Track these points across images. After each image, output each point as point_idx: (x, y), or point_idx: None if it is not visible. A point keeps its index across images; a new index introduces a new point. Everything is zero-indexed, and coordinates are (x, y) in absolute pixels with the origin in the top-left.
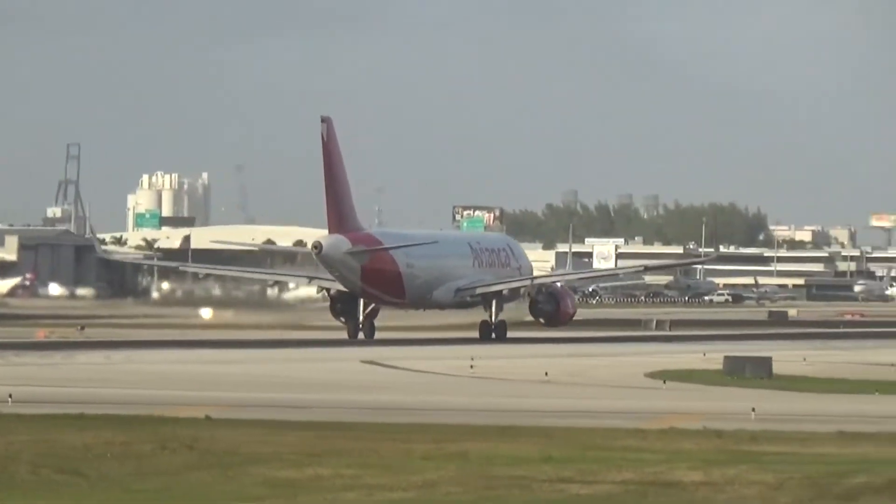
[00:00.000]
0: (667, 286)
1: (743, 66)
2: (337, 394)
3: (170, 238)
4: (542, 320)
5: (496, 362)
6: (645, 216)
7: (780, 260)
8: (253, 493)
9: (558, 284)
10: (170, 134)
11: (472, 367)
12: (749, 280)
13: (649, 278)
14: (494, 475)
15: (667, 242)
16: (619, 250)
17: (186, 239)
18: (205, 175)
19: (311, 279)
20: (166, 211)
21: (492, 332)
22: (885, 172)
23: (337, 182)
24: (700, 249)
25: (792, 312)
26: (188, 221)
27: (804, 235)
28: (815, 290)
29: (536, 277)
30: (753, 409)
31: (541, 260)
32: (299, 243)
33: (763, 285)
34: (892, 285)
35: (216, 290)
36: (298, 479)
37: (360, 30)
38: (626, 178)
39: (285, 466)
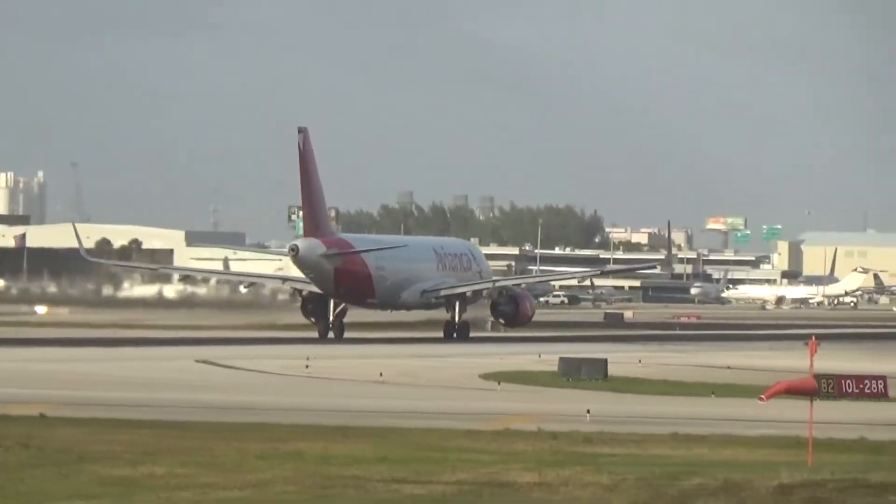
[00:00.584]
0: None
1: (577, 68)
2: (171, 393)
3: (5, 236)
4: (502, 321)
5: (333, 362)
6: (481, 217)
7: (617, 262)
8: (87, 491)
9: (519, 287)
10: (3, 132)
11: (307, 366)
12: (585, 282)
13: None
14: (329, 475)
15: (502, 244)
16: None
17: (21, 237)
18: (40, 173)
19: (284, 280)
20: (1, 209)
21: (454, 332)
22: (721, 175)
23: (312, 190)
24: (536, 251)
25: (628, 314)
26: (23, 219)
27: (640, 238)
28: (652, 292)
29: (498, 280)
30: (588, 411)
31: None
32: (135, 242)
33: (599, 287)
34: (728, 288)
35: (52, 288)
36: (133, 477)
37: (192, 30)
38: (462, 179)
39: (120, 465)
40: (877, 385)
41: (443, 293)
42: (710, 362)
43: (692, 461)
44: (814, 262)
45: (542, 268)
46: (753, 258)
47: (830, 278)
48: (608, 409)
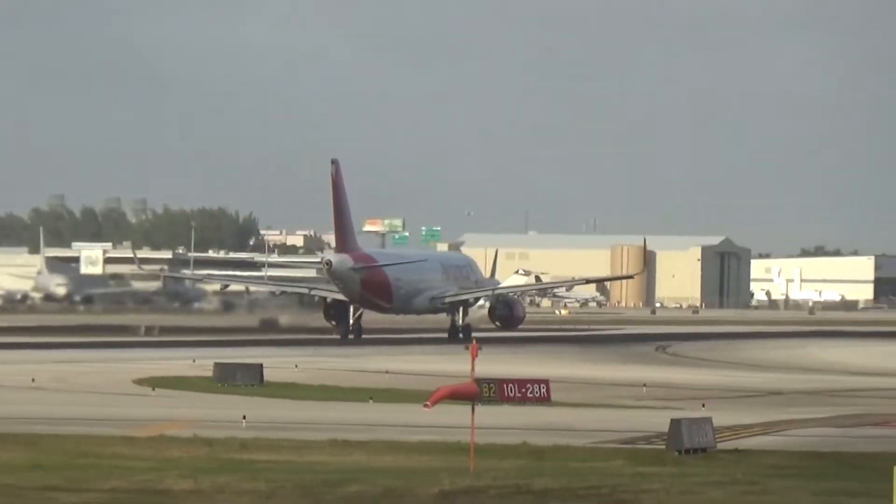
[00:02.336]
0: (154, 292)
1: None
2: None
3: None
4: (497, 323)
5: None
6: (133, 220)
7: (272, 265)
8: None
9: (513, 294)
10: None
11: None
12: (241, 287)
13: (138, 284)
14: None
15: (156, 247)
16: (108, 255)
17: None
18: None
19: (311, 289)
20: None
21: (459, 333)
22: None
23: (342, 212)
24: (190, 254)
25: (284, 319)
26: None
27: (296, 240)
28: (308, 296)
29: (497, 288)
30: (244, 417)
31: (28, 265)
32: None
33: (254, 292)
34: None
35: None
36: None
37: None
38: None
39: None
40: (539, 389)
41: (447, 300)
42: (368, 367)
43: (351, 468)
44: None
45: (210, 272)
46: None
47: (492, 281)
48: (265, 414)
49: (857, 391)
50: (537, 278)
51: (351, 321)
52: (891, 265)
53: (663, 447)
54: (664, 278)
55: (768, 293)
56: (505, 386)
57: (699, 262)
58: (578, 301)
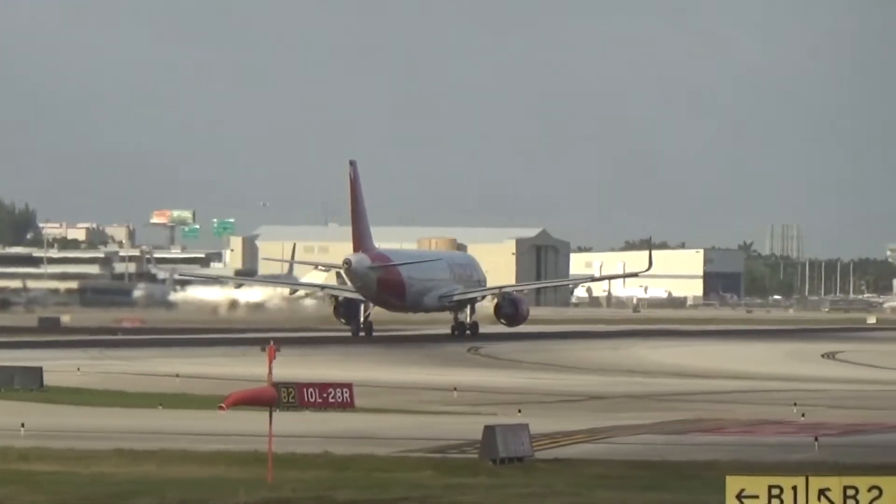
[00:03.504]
0: None
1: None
2: None
3: None
4: (503, 321)
5: None
6: None
7: (52, 261)
8: None
9: (519, 292)
10: None
11: None
12: (17, 283)
13: None
14: None
15: None
16: None
17: None
18: None
19: (322, 287)
20: None
21: (466, 330)
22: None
23: (360, 213)
24: None
25: (65, 318)
26: None
27: (78, 234)
28: (91, 294)
29: (504, 287)
30: (23, 425)
31: None
32: None
33: (32, 289)
34: (176, 289)
35: None
36: None
37: None
38: None
39: None
40: (342, 394)
41: (456, 298)
42: (156, 370)
43: (140, 479)
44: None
45: None
46: (203, 255)
47: (289, 277)
48: (45, 422)
49: (687, 395)
50: (338, 275)
51: (362, 319)
52: (722, 259)
53: (476, 456)
54: None
55: (589, 289)
56: (305, 390)
57: (514, 256)
58: None
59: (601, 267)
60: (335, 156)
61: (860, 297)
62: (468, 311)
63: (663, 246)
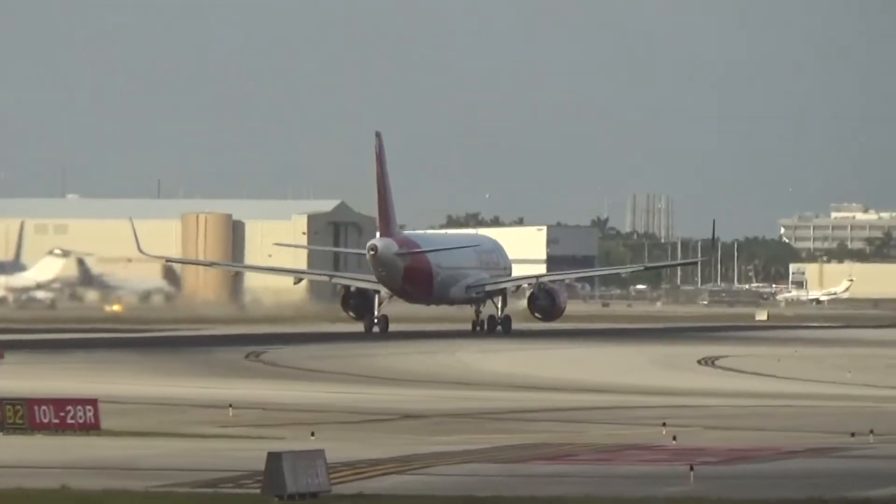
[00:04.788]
0: None
1: None
2: None
3: None
4: (538, 315)
5: None
6: None
7: None
8: None
9: (558, 282)
10: None
11: None
12: None
13: None
14: None
15: None
16: None
17: None
18: None
19: (331, 277)
20: None
21: (498, 325)
22: None
23: (386, 192)
24: None
25: None
26: None
27: None
28: None
29: (541, 276)
30: None
31: None
32: None
33: None
34: None
35: None
36: None
37: None
38: None
39: None
40: (84, 413)
41: (487, 289)
42: None
43: None
44: None
45: None
46: None
47: (16, 264)
48: None
49: (527, 412)
50: (80, 262)
51: (376, 312)
52: (571, 238)
53: (258, 492)
54: (259, 258)
55: None
56: (37, 408)
57: (305, 236)
58: (137, 293)
59: None
60: (76, 113)
61: (747, 286)
62: (499, 303)
63: (496, 223)
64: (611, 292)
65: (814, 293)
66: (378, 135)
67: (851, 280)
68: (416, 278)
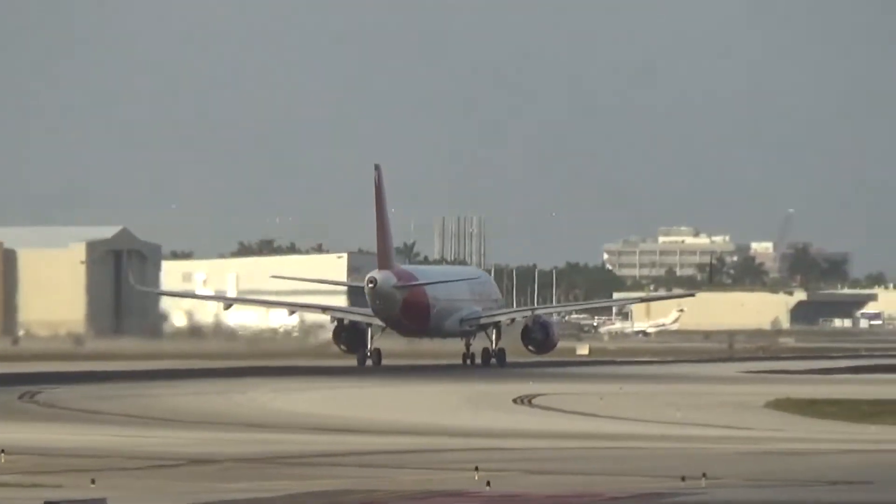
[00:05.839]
0: None
1: None
2: None
3: None
4: (531, 348)
5: None
6: None
7: None
8: None
9: (551, 315)
10: None
11: None
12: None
13: None
14: None
15: None
16: None
17: None
18: None
19: (324, 309)
20: None
21: (492, 358)
22: None
23: (384, 223)
24: None
25: None
26: None
27: None
28: None
29: (536, 308)
30: None
31: None
32: None
33: None
34: None
35: None
36: None
37: None
38: None
39: None
40: None
41: (483, 321)
42: None
43: None
44: None
45: None
46: None
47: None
48: None
49: (328, 456)
50: None
51: (369, 346)
52: (372, 266)
53: None
54: (32, 291)
55: (188, 313)
56: None
57: (84, 266)
58: None
59: (205, 280)
60: None
61: (566, 318)
62: (493, 336)
63: (292, 250)
64: None
65: (640, 325)
66: (377, 167)
67: (682, 310)
68: (413, 311)
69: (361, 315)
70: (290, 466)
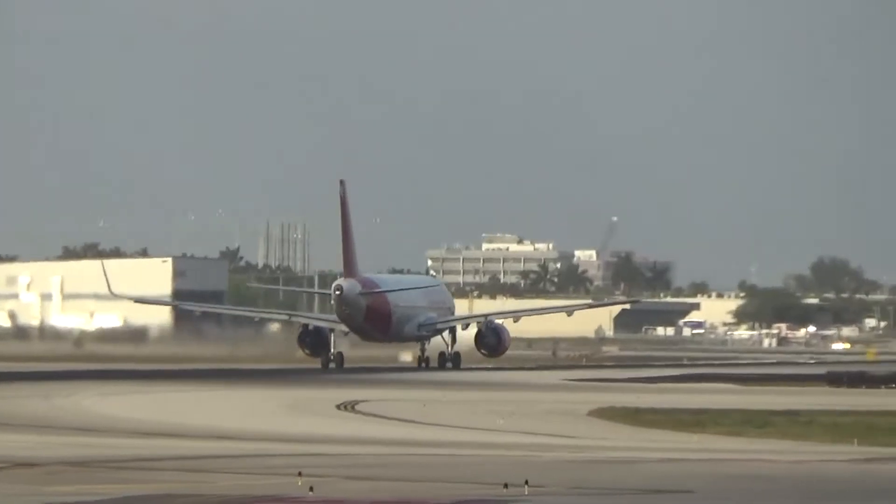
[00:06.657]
0: None
1: None
2: None
3: None
4: (484, 351)
5: None
6: None
7: None
8: None
9: (499, 321)
10: None
11: None
12: None
13: None
14: None
15: None
16: None
17: None
18: None
19: (290, 315)
20: None
21: (448, 362)
22: None
23: (349, 234)
24: None
25: None
26: None
27: None
28: None
29: (490, 314)
30: None
31: None
32: None
33: None
34: None
35: None
36: None
37: None
38: None
39: None
40: None
41: (438, 326)
42: None
43: None
44: None
45: None
46: None
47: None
48: None
49: (150, 460)
50: None
51: (332, 350)
52: (199, 271)
53: None
54: None
55: (12, 314)
56: None
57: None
58: None
59: (29, 285)
60: None
61: None
62: (449, 340)
63: (117, 254)
64: (244, 333)
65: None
66: (342, 183)
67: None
68: (376, 317)
69: (325, 321)
70: (114, 470)
